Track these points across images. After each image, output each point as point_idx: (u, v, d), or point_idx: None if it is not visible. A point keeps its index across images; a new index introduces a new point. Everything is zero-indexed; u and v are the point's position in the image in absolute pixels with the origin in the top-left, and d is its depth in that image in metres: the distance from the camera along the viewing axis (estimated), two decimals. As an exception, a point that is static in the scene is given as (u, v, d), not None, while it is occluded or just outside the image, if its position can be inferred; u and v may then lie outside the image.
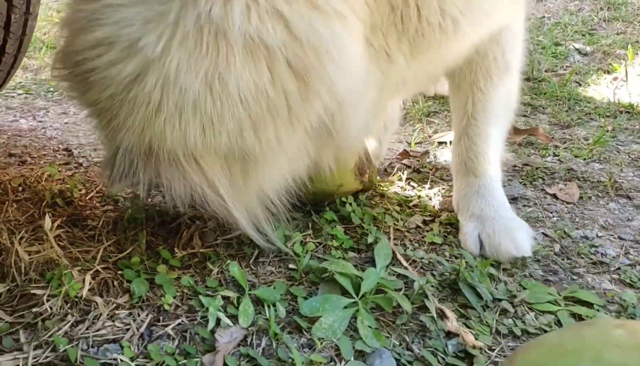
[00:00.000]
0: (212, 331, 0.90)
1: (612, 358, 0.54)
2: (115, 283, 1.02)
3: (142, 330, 0.92)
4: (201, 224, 1.19)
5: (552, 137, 1.61)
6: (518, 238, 1.12)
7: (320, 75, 0.80)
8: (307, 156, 0.95)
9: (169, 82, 0.75)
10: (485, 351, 0.90)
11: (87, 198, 1.26)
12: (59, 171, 1.33)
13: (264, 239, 1.01)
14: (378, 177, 1.35)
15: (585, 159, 1.51)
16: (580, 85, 1.98)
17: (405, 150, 1.51)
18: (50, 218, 1.16)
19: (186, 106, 0.76)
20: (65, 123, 1.70)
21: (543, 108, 1.81)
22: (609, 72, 2.07)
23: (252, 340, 0.90)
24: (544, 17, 2.68)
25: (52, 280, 0.98)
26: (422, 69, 1.01)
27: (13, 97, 1.88)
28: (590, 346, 0.56)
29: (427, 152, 1.52)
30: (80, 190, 1.27)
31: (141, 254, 1.09)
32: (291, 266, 1.06)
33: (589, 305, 1.00)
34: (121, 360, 0.84)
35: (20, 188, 1.29)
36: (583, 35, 2.46)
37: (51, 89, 1.95)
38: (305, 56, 0.78)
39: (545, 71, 2.05)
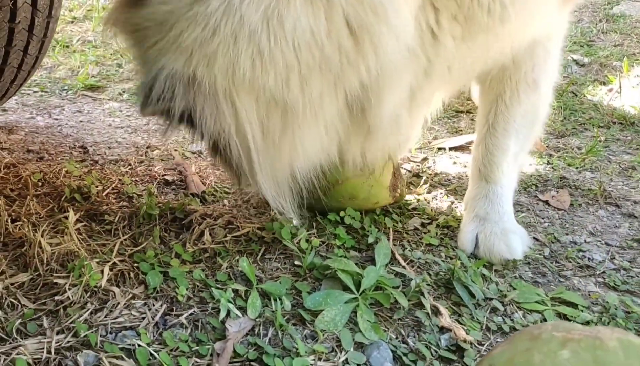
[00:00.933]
0: (223, 321, 0.97)
1: None
2: (132, 274, 1.09)
3: (156, 318, 0.99)
4: (211, 221, 1.26)
5: (547, 146, 1.68)
6: (512, 241, 1.18)
7: (372, 36, 0.82)
8: (338, 134, 0.95)
9: (231, 8, 0.77)
10: (475, 346, 0.97)
11: (103, 194, 1.33)
12: (76, 168, 1.40)
13: (281, 206, 1.00)
14: (406, 189, 1.39)
15: (577, 167, 1.58)
16: (576, 95, 2.05)
17: (406, 155, 1.58)
18: (69, 212, 1.24)
19: (242, 34, 0.78)
20: (80, 121, 1.77)
21: (539, 117, 1.88)
22: (604, 84, 2.14)
23: (259, 330, 0.97)
24: (544, 27, 2.75)
25: (73, 271, 1.05)
26: (468, 56, 1.02)
27: (29, 94, 1.95)
28: None
29: (426, 158, 1.59)
30: (97, 187, 1.34)
31: (155, 248, 1.16)
32: (296, 262, 1.13)
33: (574, 305, 1.07)
34: (139, 345, 0.91)
35: (39, 183, 1.36)
36: (581, 46, 2.53)
37: (65, 88, 2.02)
38: (364, 13, 0.80)
39: (543, 80, 2.12)
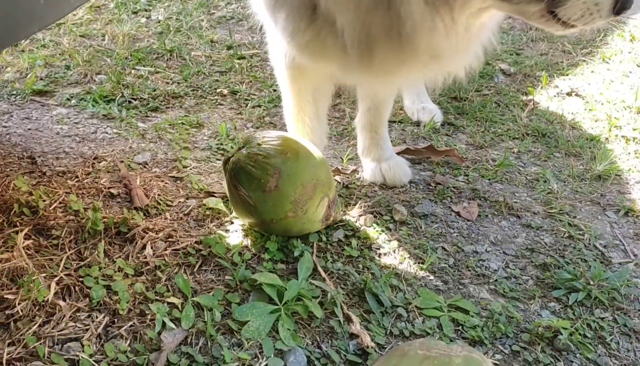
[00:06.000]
0: (159, 332, 1.11)
1: None
2: (77, 288, 1.20)
3: (99, 330, 1.12)
4: (153, 235, 1.38)
5: (466, 158, 1.86)
6: (406, 170, 1.71)
7: None
8: None
9: None
10: (378, 350, 1.13)
11: (51, 208, 1.42)
12: (25, 183, 1.48)
13: None
14: (340, 213, 1.51)
15: (489, 179, 1.76)
16: (499, 106, 2.23)
17: (337, 168, 1.73)
18: (18, 226, 1.33)
19: None
20: (29, 129, 1.83)
21: (463, 128, 2.06)
22: (526, 94, 2.33)
23: (191, 340, 1.11)
24: (479, 34, 2.92)
25: (23, 286, 1.16)
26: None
27: (-24, 99, 1.99)
28: None
29: (356, 170, 1.74)
30: (44, 201, 1.44)
31: (99, 262, 1.27)
32: (228, 277, 1.27)
33: (466, 312, 1.25)
34: (82, 357, 1.03)
35: (-12, 197, 1.44)
36: (510, 54, 2.71)
37: (14, 92, 2.07)
38: None
39: (471, 91, 2.29)
